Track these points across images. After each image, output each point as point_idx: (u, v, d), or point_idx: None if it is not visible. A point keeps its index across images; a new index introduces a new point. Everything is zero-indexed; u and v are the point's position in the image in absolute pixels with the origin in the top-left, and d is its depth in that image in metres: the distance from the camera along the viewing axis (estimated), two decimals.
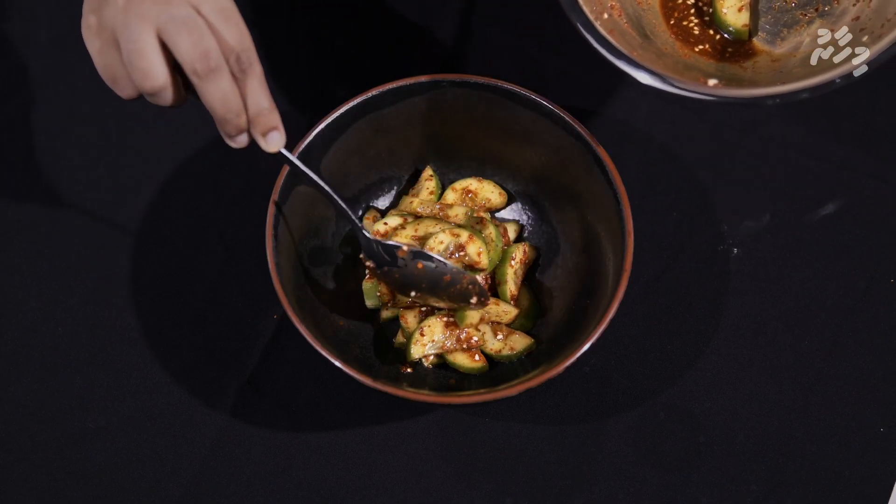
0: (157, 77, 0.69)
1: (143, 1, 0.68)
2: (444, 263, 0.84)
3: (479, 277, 0.88)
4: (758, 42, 0.91)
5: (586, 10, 0.81)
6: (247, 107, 0.71)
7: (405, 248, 0.83)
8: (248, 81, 0.71)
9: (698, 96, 0.80)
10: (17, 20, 1.03)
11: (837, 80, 0.77)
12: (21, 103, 0.99)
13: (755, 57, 0.90)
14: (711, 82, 0.82)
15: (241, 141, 0.74)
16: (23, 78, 1.00)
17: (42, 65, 1.00)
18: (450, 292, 0.84)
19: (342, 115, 0.86)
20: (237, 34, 0.70)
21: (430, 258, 0.84)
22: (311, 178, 0.80)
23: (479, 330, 0.87)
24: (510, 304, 0.89)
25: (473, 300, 0.84)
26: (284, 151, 0.76)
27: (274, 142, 0.74)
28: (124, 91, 0.72)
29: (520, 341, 0.87)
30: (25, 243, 0.93)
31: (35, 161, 0.97)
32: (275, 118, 0.73)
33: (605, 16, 0.84)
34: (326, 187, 0.81)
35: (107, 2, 0.69)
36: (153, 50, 0.68)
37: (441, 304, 0.86)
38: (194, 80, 0.69)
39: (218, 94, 0.70)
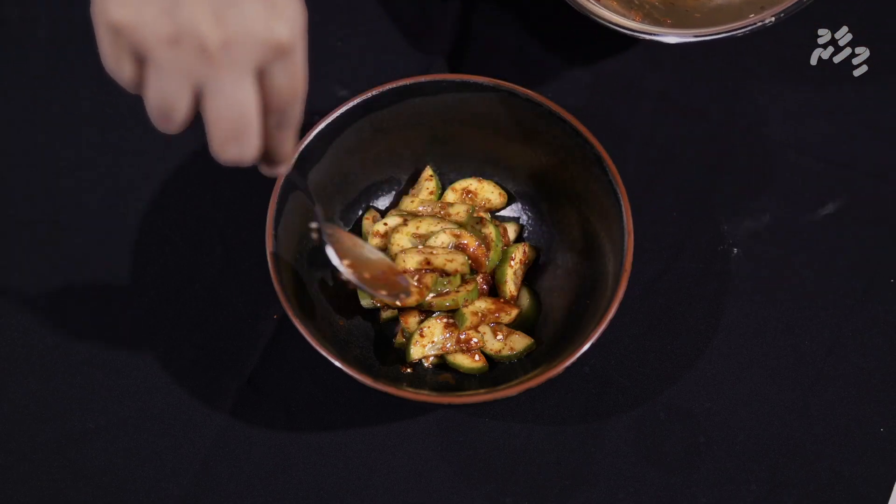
0: (174, 127, 0.60)
1: (186, 55, 0.56)
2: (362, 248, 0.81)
3: (479, 278, 0.89)
4: None
5: None
6: (265, 144, 0.62)
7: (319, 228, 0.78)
8: (282, 134, 0.61)
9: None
10: (16, 20, 1.03)
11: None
12: (21, 103, 0.99)
13: None
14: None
15: None
16: (23, 77, 1.00)
17: (42, 64, 1.00)
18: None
19: (342, 115, 0.86)
20: (289, 84, 0.58)
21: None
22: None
23: (478, 331, 0.87)
24: (510, 304, 0.89)
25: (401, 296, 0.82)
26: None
27: (276, 174, 0.65)
28: (127, 87, 0.60)
29: (520, 341, 0.87)
30: (25, 243, 0.93)
31: (35, 161, 0.97)
32: (289, 158, 0.64)
33: None
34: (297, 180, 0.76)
35: (140, 23, 0.56)
36: (184, 107, 0.58)
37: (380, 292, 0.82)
38: (211, 139, 0.59)
39: (233, 156, 0.60)
